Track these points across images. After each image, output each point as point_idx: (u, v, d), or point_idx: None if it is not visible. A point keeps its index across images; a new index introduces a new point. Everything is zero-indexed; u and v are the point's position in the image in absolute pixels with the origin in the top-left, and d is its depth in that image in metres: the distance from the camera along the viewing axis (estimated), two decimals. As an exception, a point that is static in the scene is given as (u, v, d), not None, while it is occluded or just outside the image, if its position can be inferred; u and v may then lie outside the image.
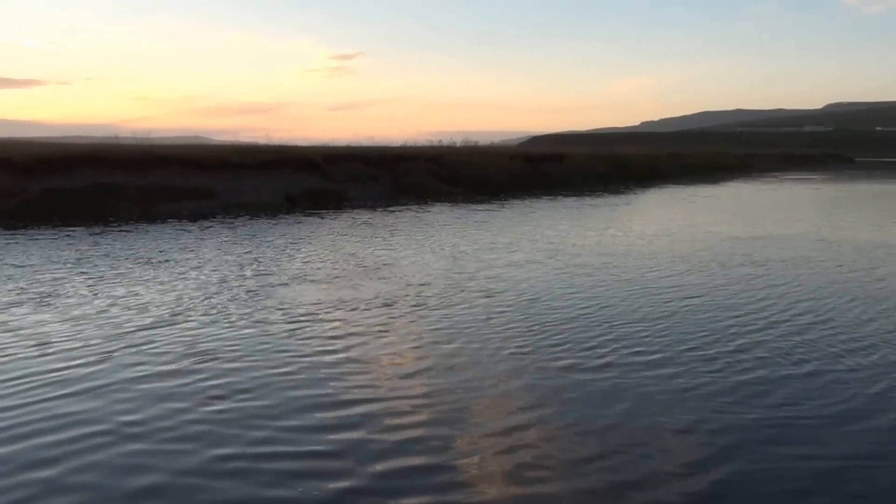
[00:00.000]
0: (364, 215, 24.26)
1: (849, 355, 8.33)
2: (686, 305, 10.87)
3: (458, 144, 44.58)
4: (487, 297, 11.42)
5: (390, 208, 27.26)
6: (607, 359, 8.11)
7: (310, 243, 17.15)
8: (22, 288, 11.87)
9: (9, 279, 12.33)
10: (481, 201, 30.85)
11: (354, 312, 10.29)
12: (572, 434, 6.03)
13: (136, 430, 6.11)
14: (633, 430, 6.11)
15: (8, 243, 16.25)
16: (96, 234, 18.14)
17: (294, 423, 6.28)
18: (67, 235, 17.69)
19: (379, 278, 12.92)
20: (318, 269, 13.90)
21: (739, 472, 5.41)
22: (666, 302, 11.10)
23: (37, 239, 16.97)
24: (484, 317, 10.11)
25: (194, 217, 22.36)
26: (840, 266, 14.55)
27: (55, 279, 12.26)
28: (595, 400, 6.81)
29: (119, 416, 6.40)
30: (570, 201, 31.98)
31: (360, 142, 43.73)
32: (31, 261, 13.97)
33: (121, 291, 11.69)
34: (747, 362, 8.00)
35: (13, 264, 13.60)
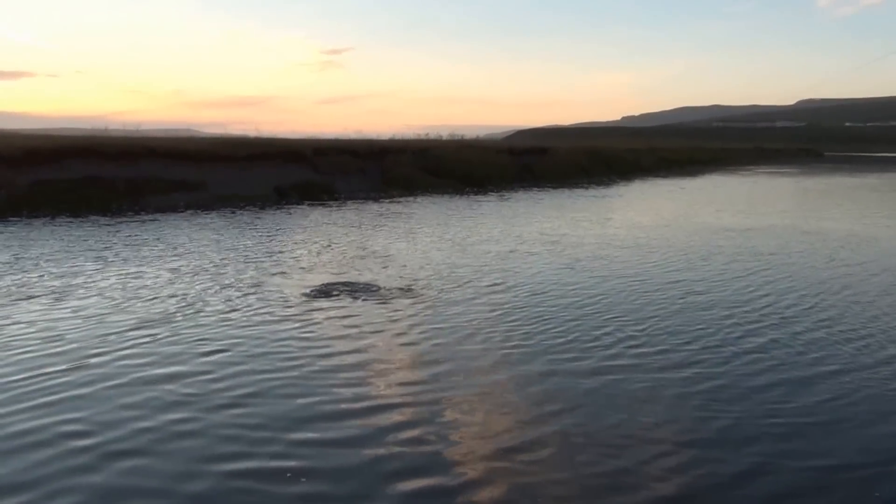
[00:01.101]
0: (354, 207, 24.13)
1: (855, 351, 8.06)
2: (687, 299, 10.60)
3: (444, 138, 44.05)
4: (490, 290, 11.09)
5: (379, 200, 27.01)
6: (613, 354, 7.80)
7: (306, 235, 17.17)
8: (15, 281, 11.44)
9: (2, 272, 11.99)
10: (468, 193, 30.57)
11: (356, 307, 9.93)
12: (579, 432, 5.76)
13: (131, 432, 5.67)
14: (641, 429, 5.84)
15: None
16: (85, 226, 17.74)
17: (296, 425, 5.84)
18: (57, 228, 17.30)
19: (377, 272, 12.56)
20: (317, 261, 13.55)
21: (749, 474, 5.13)
22: (667, 294, 10.85)
23: (25, 232, 16.55)
24: (488, 311, 9.77)
25: (185, 209, 22.07)
26: (833, 259, 14.25)
27: (45, 272, 11.84)
28: (602, 397, 6.52)
29: (117, 419, 5.95)
30: (557, 193, 31.71)
31: (349, 135, 43.51)
32: (23, 254, 13.55)
33: (116, 284, 11.25)
34: (752, 358, 7.70)
35: (5, 258, 13.23)
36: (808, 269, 13.31)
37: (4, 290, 10.86)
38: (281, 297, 10.51)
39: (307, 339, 8.44)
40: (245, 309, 9.80)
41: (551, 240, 16.76)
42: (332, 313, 9.62)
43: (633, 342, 8.33)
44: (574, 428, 5.88)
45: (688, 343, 8.29)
